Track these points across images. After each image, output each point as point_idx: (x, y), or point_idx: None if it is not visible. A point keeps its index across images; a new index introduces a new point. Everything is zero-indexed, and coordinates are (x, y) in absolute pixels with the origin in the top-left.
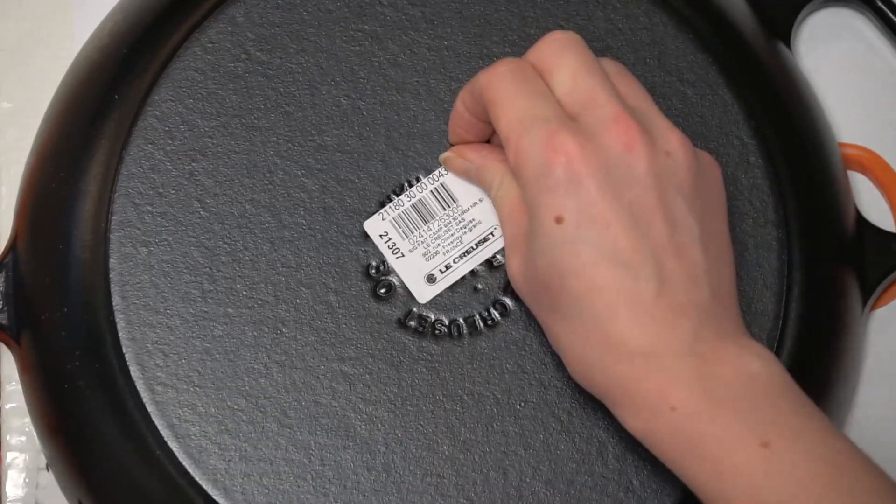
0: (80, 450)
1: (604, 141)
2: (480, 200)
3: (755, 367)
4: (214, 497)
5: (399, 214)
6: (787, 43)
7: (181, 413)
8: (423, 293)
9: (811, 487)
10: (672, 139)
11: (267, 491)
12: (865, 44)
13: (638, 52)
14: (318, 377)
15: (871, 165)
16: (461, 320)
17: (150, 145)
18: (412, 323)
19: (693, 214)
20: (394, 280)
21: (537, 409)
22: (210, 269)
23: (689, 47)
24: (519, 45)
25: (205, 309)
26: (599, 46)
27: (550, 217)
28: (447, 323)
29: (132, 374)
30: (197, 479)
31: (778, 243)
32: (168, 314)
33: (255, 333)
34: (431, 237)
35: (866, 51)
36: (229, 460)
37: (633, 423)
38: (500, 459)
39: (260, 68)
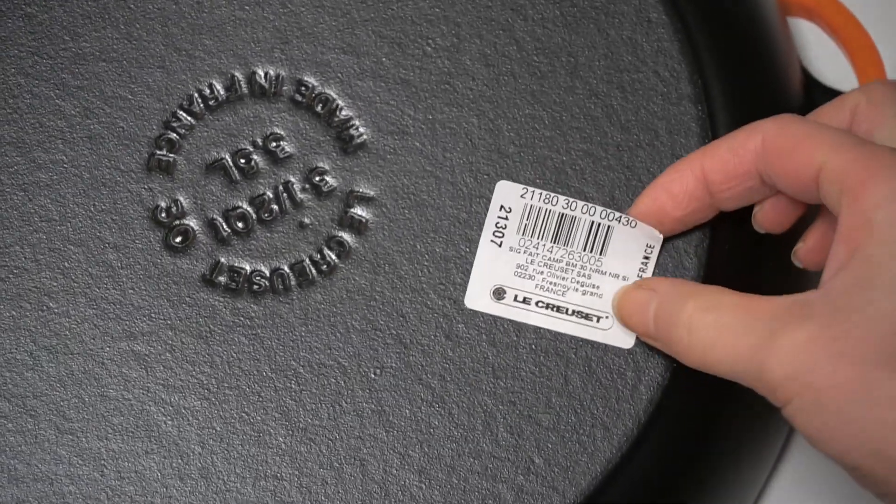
0: None
1: None
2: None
3: None
4: None
5: (538, 205)
6: None
7: None
8: (473, 300)
9: None
10: None
11: None
12: None
13: None
14: (102, 363)
15: (819, 8)
16: (286, 268)
17: None
18: (221, 278)
19: None
20: (191, 224)
21: (398, 376)
22: None
23: None
24: None
25: None
26: None
27: None
28: (268, 274)
29: None
30: None
31: (698, 124)
32: None
33: (14, 313)
34: (548, 261)
35: None
36: None
37: None
38: (354, 448)
39: None
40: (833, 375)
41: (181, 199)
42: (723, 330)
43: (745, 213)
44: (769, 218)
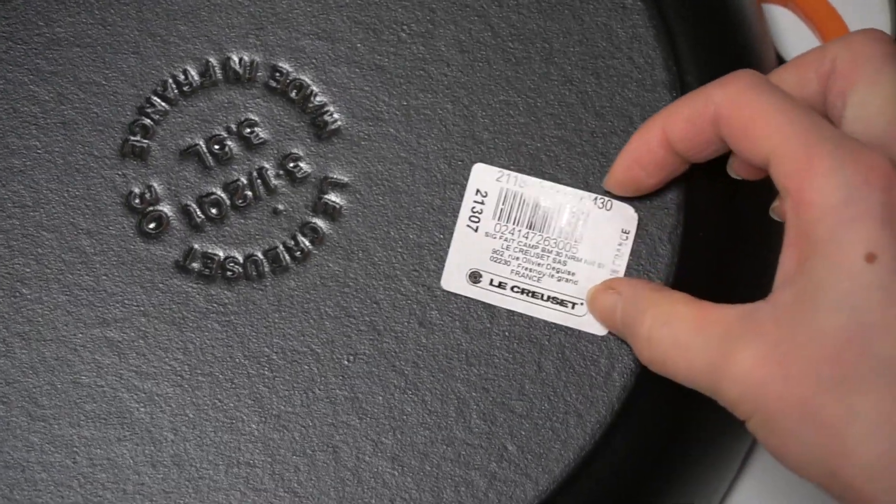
0: None
1: None
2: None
3: None
4: None
5: (513, 188)
6: None
7: None
8: (450, 281)
9: None
10: None
11: None
12: None
13: None
14: (75, 349)
15: None
16: (260, 255)
17: None
18: (195, 265)
19: None
20: (164, 210)
21: (372, 362)
22: None
23: None
24: None
25: None
26: None
27: (858, 255)
28: (241, 260)
29: None
30: None
31: None
32: None
33: None
34: (523, 247)
35: None
36: None
37: None
38: (327, 435)
39: None
40: (782, 398)
41: (155, 184)
42: (678, 346)
43: (719, 198)
44: (743, 167)
